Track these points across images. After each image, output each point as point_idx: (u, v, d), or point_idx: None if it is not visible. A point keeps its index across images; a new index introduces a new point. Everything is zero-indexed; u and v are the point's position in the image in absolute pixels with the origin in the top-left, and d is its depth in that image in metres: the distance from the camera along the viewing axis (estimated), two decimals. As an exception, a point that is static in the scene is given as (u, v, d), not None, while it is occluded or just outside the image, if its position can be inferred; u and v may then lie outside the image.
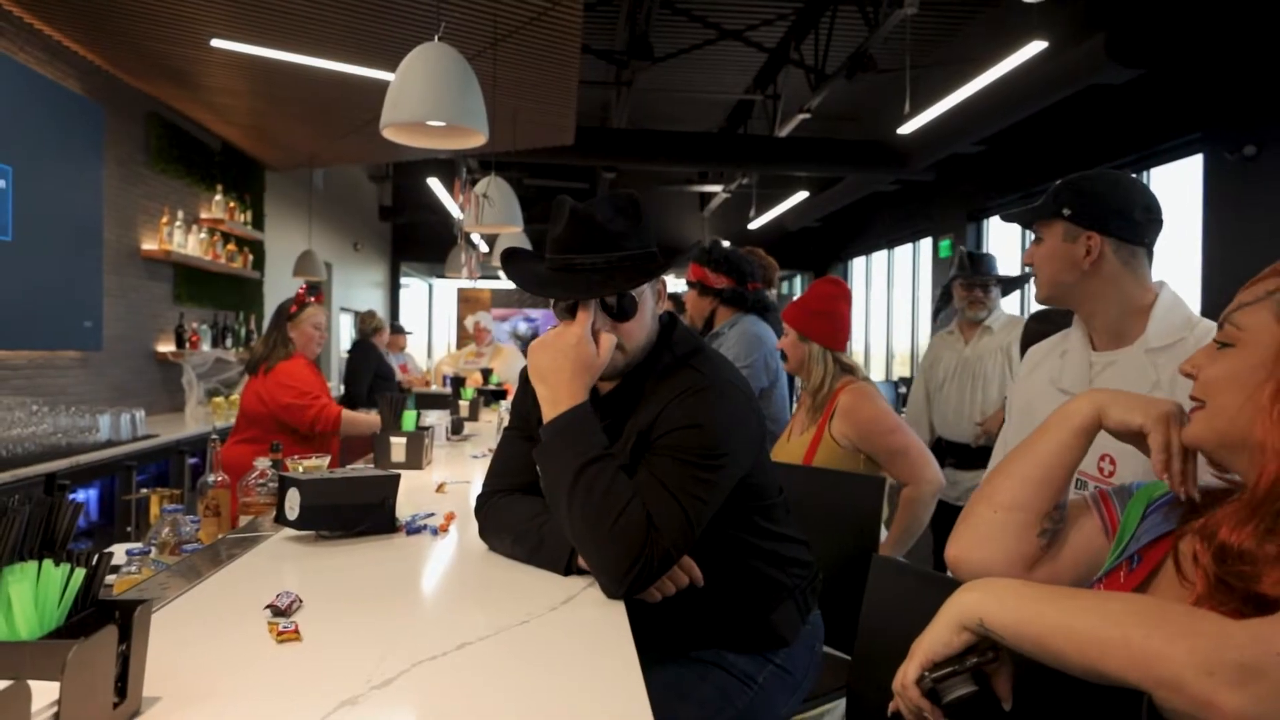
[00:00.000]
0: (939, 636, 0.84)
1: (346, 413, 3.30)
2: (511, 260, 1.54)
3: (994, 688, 0.84)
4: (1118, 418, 1.00)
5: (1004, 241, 8.64)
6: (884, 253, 11.65)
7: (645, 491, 1.29)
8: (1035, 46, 4.92)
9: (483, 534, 1.57)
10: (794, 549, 1.56)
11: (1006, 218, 1.66)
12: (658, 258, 1.45)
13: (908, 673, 0.84)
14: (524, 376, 1.65)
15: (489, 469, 1.64)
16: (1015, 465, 1.06)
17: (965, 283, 3.52)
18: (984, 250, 6.16)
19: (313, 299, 3.40)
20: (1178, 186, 6.20)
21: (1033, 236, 1.58)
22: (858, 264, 12.59)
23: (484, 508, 1.58)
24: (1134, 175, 1.58)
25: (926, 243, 10.13)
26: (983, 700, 0.83)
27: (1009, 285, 3.56)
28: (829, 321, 2.43)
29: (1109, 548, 1.03)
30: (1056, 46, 5.26)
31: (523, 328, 14.91)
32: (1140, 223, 1.47)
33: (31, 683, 0.69)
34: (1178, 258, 5.86)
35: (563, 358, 1.36)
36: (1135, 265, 1.48)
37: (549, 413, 1.36)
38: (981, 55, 5.53)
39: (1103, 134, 6.72)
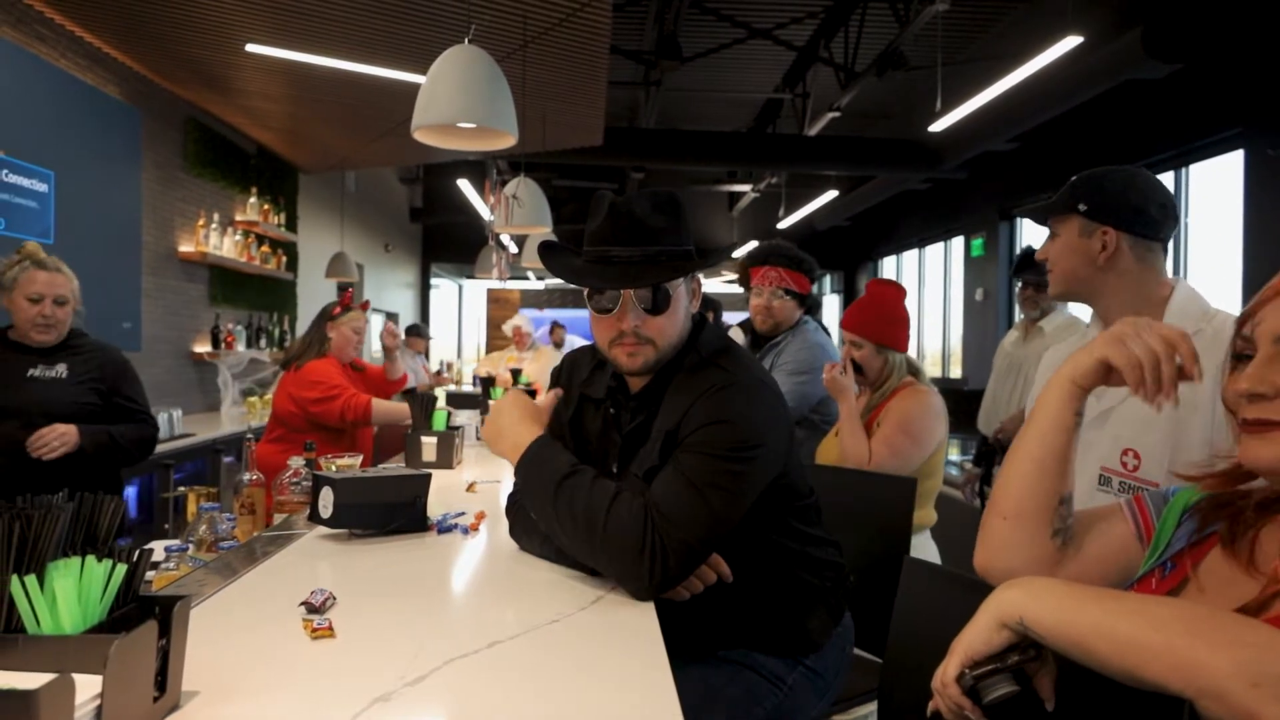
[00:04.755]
0: (979, 634, 0.81)
1: (377, 401, 3.28)
2: (549, 252, 1.55)
3: (1036, 688, 0.82)
4: (1085, 366, 0.97)
5: (1038, 241, 8.51)
6: (915, 252, 11.53)
7: (666, 487, 1.28)
8: (1070, 42, 4.83)
9: (513, 533, 1.58)
10: (826, 551, 1.54)
11: (1021, 213, 1.65)
12: (694, 256, 1.45)
13: (947, 670, 0.82)
14: (554, 374, 1.66)
15: (519, 469, 1.65)
16: (1011, 465, 1.04)
17: (1020, 279, 3.48)
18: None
19: (359, 305, 3.42)
20: (1218, 183, 6.07)
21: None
22: (888, 263, 12.47)
23: (514, 507, 1.59)
24: (1148, 171, 1.56)
25: (958, 242, 10.00)
26: (1025, 701, 0.81)
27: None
28: (904, 327, 2.47)
29: (1142, 553, 1.00)
30: (1092, 41, 5.16)
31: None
32: (1156, 219, 1.47)
33: (75, 675, 0.71)
34: (1218, 255, 5.73)
35: (506, 416, 1.47)
36: (1151, 260, 1.49)
37: (515, 456, 1.42)
38: (1015, 51, 5.45)
39: (1140, 130, 6.59)
